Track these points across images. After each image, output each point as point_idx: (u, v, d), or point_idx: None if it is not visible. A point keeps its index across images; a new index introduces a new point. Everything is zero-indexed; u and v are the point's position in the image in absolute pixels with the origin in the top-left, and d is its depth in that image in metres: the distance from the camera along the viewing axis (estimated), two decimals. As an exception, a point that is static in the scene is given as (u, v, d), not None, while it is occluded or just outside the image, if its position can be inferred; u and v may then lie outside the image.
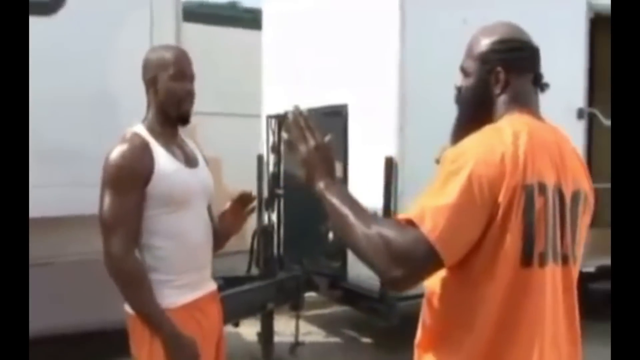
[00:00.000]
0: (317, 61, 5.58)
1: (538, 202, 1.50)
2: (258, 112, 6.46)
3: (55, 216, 3.02)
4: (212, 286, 2.52)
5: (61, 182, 3.08)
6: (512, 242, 1.48)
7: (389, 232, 1.48)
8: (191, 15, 9.12)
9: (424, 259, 1.45)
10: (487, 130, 1.57)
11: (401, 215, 1.52)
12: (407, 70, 4.51)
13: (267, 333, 4.91)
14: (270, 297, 4.73)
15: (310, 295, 5.76)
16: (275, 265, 5.21)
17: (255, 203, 2.65)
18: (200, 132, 7.77)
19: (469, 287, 1.52)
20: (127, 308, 2.33)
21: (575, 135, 5.30)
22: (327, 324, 6.25)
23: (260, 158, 5.83)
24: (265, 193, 5.73)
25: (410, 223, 1.47)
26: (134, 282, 2.23)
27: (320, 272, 5.21)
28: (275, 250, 5.46)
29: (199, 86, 2.43)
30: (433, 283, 1.60)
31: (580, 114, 5.54)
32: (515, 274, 1.49)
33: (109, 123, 3.03)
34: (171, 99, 2.35)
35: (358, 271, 4.64)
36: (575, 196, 1.59)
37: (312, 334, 5.87)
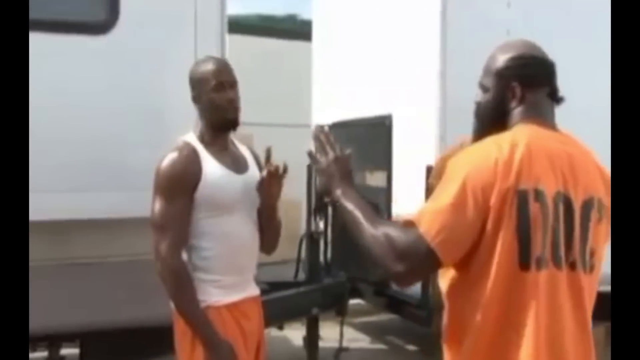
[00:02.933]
0: (363, 72, 5.70)
1: (533, 207, 1.56)
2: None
3: (105, 218, 3.23)
4: (255, 290, 2.61)
5: (116, 187, 3.29)
6: (506, 245, 1.55)
7: (394, 232, 1.60)
8: (248, 27, 9.40)
9: (423, 256, 1.57)
10: (488, 140, 1.67)
11: (405, 217, 1.63)
12: (448, 81, 4.57)
13: (312, 337, 5.00)
14: (315, 302, 4.83)
15: (358, 302, 5.86)
16: (321, 271, 5.31)
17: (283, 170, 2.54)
18: (257, 142, 8.01)
19: (469, 288, 1.61)
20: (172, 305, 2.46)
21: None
22: (373, 331, 6.32)
23: (309, 167, 5.96)
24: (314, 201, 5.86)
25: (412, 224, 1.59)
26: (177, 281, 2.35)
27: (365, 279, 5.30)
28: (322, 257, 5.58)
29: (256, 98, 2.51)
30: (444, 284, 1.70)
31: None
32: (511, 276, 1.57)
33: (158, 133, 3.23)
34: (215, 110, 2.47)
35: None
36: (587, 204, 1.64)
37: (359, 341, 5.96)
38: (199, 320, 2.36)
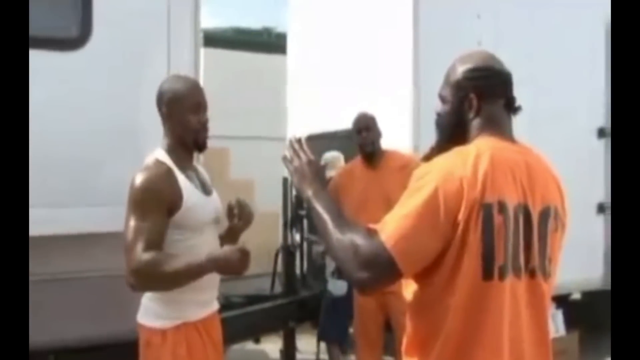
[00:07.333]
0: (337, 84, 5.75)
1: (497, 219, 1.59)
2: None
3: (83, 233, 3.20)
4: (217, 305, 2.67)
5: (91, 202, 3.26)
6: (471, 257, 1.57)
7: (358, 239, 1.61)
8: (224, 41, 9.40)
9: (384, 266, 1.58)
10: (452, 153, 1.69)
11: (372, 225, 1.64)
12: (422, 92, 4.64)
13: (289, 350, 5.01)
14: (291, 314, 4.84)
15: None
16: (297, 284, 5.32)
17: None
18: (233, 155, 8.00)
19: (434, 300, 1.63)
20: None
21: (596, 156, 5.34)
22: (350, 343, 6.30)
23: (285, 180, 5.97)
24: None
25: (376, 233, 1.60)
26: (155, 269, 2.24)
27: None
28: (298, 270, 5.58)
29: (232, 111, 2.52)
30: (408, 294, 1.71)
31: (600, 133, 5.54)
32: (476, 287, 1.59)
33: (132, 147, 3.20)
34: (188, 131, 2.48)
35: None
36: (544, 213, 1.68)
37: (336, 353, 5.92)
38: (201, 270, 2.29)
